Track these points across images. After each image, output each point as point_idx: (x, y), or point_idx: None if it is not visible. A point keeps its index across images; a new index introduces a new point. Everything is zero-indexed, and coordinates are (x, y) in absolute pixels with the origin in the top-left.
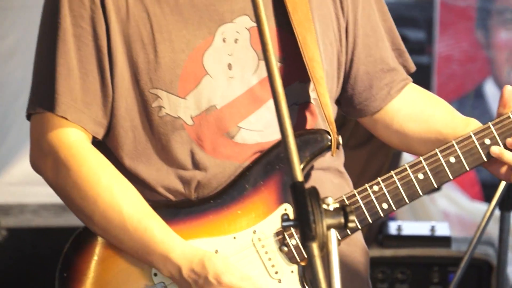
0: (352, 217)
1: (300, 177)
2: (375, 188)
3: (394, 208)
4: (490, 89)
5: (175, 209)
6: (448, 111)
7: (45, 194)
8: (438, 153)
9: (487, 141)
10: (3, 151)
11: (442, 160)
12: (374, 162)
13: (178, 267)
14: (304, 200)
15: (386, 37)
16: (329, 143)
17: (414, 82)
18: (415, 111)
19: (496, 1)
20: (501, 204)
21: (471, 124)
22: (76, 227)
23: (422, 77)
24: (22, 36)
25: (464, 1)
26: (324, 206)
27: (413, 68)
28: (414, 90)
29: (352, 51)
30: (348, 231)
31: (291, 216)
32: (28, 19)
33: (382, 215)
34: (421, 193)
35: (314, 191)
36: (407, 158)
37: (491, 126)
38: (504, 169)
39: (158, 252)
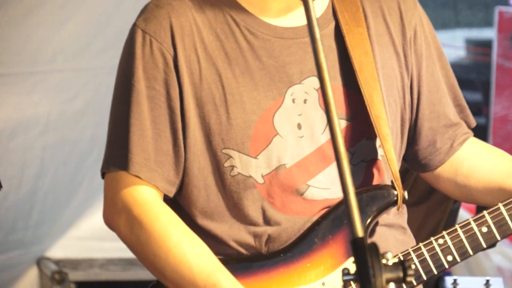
0: (411, 272)
1: (360, 233)
2: (440, 241)
3: (459, 260)
4: None
5: (247, 263)
6: (511, 162)
7: (112, 249)
8: (501, 207)
9: None
10: (72, 207)
11: (505, 214)
12: (431, 219)
13: None
14: (364, 255)
15: (449, 93)
16: (395, 198)
17: None
18: (478, 162)
19: None
20: None
21: None
22: (143, 281)
23: (479, 138)
24: (92, 97)
25: None
26: (384, 261)
27: (473, 123)
28: (476, 143)
29: (417, 108)
30: (407, 285)
31: (352, 271)
32: (98, 81)
33: (447, 266)
34: (484, 246)
35: (374, 246)
36: (463, 215)
37: None
38: None
39: None
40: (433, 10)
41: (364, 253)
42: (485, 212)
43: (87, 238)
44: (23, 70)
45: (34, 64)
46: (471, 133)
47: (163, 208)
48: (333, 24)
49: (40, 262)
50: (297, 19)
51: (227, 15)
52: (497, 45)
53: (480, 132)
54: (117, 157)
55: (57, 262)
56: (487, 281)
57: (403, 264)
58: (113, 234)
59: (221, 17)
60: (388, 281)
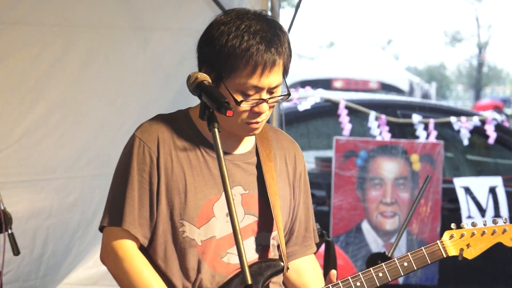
0: None
1: (249, 281)
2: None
3: None
4: (365, 226)
5: None
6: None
7: None
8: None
9: None
10: (67, 264)
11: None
12: None
13: None
14: None
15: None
16: (282, 267)
17: (319, 222)
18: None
19: (369, 172)
20: None
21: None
22: None
23: (323, 219)
24: (79, 195)
25: (349, 172)
26: None
27: (317, 240)
28: (313, 262)
29: (294, 220)
30: None
31: None
32: (83, 184)
33: None
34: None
35: None
36: None
37: None
38: None
39: None
40: (295, 139)
41: None
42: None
43: (77, 284)
44: (35, 178)
45: (42, 174)
46: (315, 248)
47: (138, 253)
48: (255, 157)
49: None
50: (236, 149)
51: (194, 139)
52: (335, 160)
53: (325, 216)
54: (114, 217)
55: None
56: None
57: None
58: (94, 281)
59: (191, 140)
60: None
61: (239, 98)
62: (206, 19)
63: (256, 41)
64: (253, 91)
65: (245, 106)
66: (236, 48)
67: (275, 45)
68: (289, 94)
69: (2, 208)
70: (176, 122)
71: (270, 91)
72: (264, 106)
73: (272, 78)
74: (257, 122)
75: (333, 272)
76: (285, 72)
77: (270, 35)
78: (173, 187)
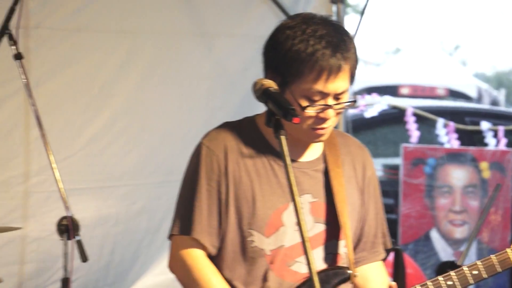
0: None
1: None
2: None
3: None
4: (434, 235)
5: None
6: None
7: None
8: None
9: None
10: (134, 272)
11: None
12: None
13: None
14: None
15: (379, 221)
16: (349, 275)
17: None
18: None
19: (438, 180)
20: None
21: None
22: None
23: (392, 228)
24: (145, 202)
25: (418, 180)
26: None
27: (389, 245)
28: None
29: (363, 225)
30: None
31: None
32: (148, 192)
33: None
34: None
35: None
36: None
37: None
38: None
39: None
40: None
41: None
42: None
43: None
44: (101, 185)
45: (108, 181)
46: (384, 255)
47: (207, 262)
48: (323, 164)
49: None
50: (303, 156)
51: (260, 147)
52: (403, 168)
53: (393, 224)
54: (183, 226)
55: None
56: None
57: None
58: (163, 287)
59: (257, 148)
60: None
61: (304, 103)
62: (270, 25)
63: (322, 45)
64: (319, 97)
65: (310, 111)
66: (301, 53)
67: (341, 50)
68: (355, 101)
69: (71, 214)
70: (242, 129)
71: (336, 97)
72: (330, 112)
73: (338, 83)
74: (323, 128)
75: (393, 284)
76: (352, 78)
77: (336, 40)
78: (241, 196)
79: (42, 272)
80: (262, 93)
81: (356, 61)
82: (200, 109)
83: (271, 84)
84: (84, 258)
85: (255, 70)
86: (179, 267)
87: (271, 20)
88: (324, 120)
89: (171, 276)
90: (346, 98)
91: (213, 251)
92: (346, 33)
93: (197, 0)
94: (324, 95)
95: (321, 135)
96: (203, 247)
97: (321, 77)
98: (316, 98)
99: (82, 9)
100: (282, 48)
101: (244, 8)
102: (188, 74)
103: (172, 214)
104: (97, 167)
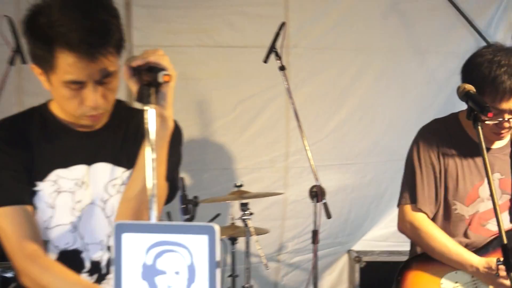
0: None
1: (505, 241)
2: None
3: None
4: None
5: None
6: None
7: (384, 246)
8: None
9: None
10: (366, 225)
11: None
12: None
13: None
14: (507, 253)
15: None
16: None
17: None
18: None
19: None
20: None
21: None
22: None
23: None
24: (381, 179)
25: None
26: None
27: None
28: None
29: None
30: None
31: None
32: (389, 167)
33: None
34: None
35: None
36: None
37: None
38: None
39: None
40: None
41: (506, 251)
42: None
43: (372, 240)
44: (341, 162)
45: (346, 159)
46: None
47: (430, 222)
48: (510, 149)
49: (349, 252)
50: (495, 144)
51: (462, 136)
52: None
53: None
54: (411, 197)
55: (357, 251)
56: None
57: None
58: (384, 238)
59: (459, 137)
60: None
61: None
62: (468, 45)
63: (501, 72)
64: (496, 112)
65: (488, 122)
66: (486, 77)
67: None
68: None
69: (319, 183)
70: (447, 124)
71: (510, 112)
72: (505, 124)
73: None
74: (501, 133)
75: None
76: None
77: None
78: (448, 175)
79: (297, 225)
80: (464, 95)
81: None
82: (415, 107)
83: (470, 87)
84: (328, 215)
85: (456, 79)
86: (408, 228)
87: (469, 41)
88: (502, 128)
89: (391, 230)
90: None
91: (431, 216)
92: None
93: (414, 24)
94: (500, 111)
95: (503, 137)
96: (424, 213)
97: (499, 98)
98: (494, 112)
99: (327, 32)
100: (473, 71)
101: (448, 31)
102: (406, 81)
103: (393, 185)
104: (339, 149)
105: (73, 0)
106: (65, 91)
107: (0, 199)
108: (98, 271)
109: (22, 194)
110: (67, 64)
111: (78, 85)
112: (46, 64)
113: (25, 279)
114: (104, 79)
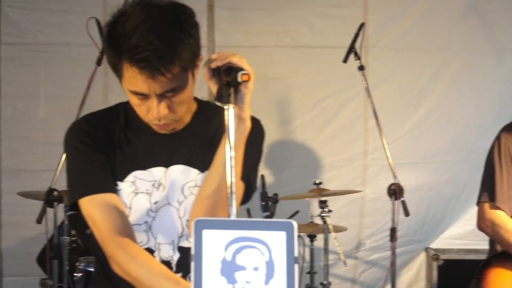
0: None
1: None
2: None
3: None
4: None
5: None
6: None
7: (461, 244)
8: None
9: None
10: (443, 225)
11: None
12: None
13: None
14: None
15: None
16: None
17: None
18: None
19: None
20: None
21: None
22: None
23: None
24: (458, 178)
25: None
26: None
27: None
28: None
29: None
30: None
31: None
32: (456, 167)
33: None
34: None
35: None
36: None
37: None
38: None
39: None
40: None
41: None
42: None
43: (450, 238)
44: (419, 161)
45: (423, 158)
46: None
47: (508, 217)
48: None
49: (426, 250)
50: None
51: None
52: None
53: None
54: (488, 196)
55: (435, 249)
56: None
57: None
58: (462, 236)
59: None
60: None
61: None
62: None
63: None
64: None
65: None
66: None
67: None
68: None
69: (397, 181)
70: None
71: None
72: None
73: None
74: None
75: None
76: None
77: None
78: None
79: (375, 223)
80: None
81: None
82: (493, 106)
83: None
84: (406, 213)
85: None
86: (487, 226)
87: None
88: None
89: (469, 228)
90: None
91: (510, 214)
92: None
93: (493, 24)
94: None
95: None
96: (503, 212)
97: None
98: None
99: (406, 33)
100: None
101: None
102: (484, 81)
103: (470, 184)
104: (416, 148)
105: (150, 14)
106: (133, 98)
107: (87, 188)
108: None
109: (109, 183)
110: (130, 76)
111: (142, 96)
112: (116, 71)
113: (114, 266)
114: (167, 93)
